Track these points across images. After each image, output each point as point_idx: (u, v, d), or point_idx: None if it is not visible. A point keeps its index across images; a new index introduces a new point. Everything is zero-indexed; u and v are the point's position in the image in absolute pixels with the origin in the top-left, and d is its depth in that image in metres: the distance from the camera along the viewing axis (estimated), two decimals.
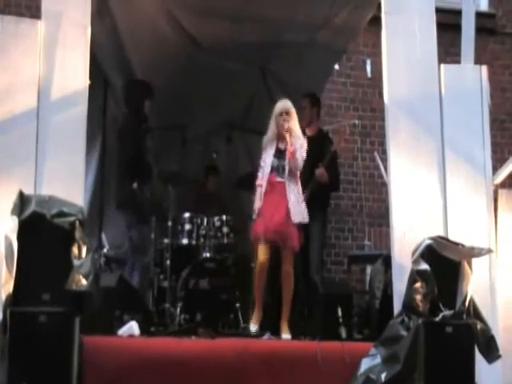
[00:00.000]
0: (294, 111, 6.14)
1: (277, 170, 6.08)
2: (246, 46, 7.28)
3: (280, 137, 6.13)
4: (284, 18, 7.01)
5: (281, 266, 6.03)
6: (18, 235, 4.21)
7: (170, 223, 6.92)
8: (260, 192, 6.07)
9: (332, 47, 7.63)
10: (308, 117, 7.02)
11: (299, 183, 6.13)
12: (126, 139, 6.69)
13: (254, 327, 5.97)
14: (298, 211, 6.03)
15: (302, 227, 6.11)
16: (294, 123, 6.13)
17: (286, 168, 6.05)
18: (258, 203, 6.08)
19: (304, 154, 6.08)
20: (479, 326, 4.89)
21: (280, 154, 6.11)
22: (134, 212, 6.60)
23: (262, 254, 5.96)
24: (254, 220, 6.08)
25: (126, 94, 7.05)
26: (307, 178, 6.79)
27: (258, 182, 6.15)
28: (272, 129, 6.17)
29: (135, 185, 6.51)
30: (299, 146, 6.06)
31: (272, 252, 5.99)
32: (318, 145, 6.93)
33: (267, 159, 6.15)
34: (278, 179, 6.06)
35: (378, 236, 9.02)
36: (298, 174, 6.12)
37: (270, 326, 6.12)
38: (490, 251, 5.19)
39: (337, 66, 8.38)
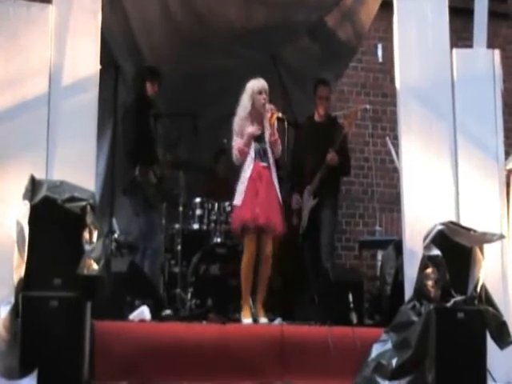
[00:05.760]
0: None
1: (258, 153, 5.91)
2: (256, 31, 7.25)
3: (256, 118, 5.92)
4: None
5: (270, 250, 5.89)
6: (30, 220, 4.21)
7: (180, 208, 6.94)
8: (244, 177, 5.88)
9: (343, 35, 7.60)
10: (329, 105, 6.98)
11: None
12: (128, 124, 6.66)
13: (248, 320, 5.76)
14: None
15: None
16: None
17: (270, 153, 5.91)
18: (241, 188, 5.88)
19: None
20: (491, 311, 4.87)
21: (259, 136, 5.90)
22: (139, 198, 6.55)
23: (252, 243, 5.85)
24: (237, 206, 5.88)
25: (131, 81, 7.04)
26: (317, 163, 6.79)
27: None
28: (246, 108, 5.92)
29: (137, 171, 6.48)
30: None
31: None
32: (328, 130, 6.91)
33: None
34: (262, 164, 5.91)
35: (389, 221, 9.00)
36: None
37: (281, 311, 6.13)
38: (502, 237, 5.17)
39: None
